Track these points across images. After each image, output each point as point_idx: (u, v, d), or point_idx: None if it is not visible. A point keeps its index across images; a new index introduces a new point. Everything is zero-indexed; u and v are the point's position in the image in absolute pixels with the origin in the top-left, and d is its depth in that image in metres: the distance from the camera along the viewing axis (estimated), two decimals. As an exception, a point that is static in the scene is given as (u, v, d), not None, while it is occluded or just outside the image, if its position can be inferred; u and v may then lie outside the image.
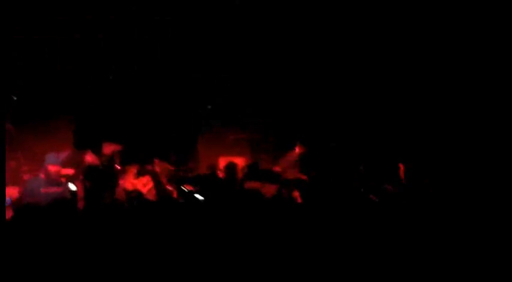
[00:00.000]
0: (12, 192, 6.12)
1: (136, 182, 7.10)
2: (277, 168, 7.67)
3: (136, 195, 6.29)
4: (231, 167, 7.37)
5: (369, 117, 8.59)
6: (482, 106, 8.15)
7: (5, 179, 5.77)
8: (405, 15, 8.09)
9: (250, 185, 6.68)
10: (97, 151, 7.47)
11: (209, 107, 8.80)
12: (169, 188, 7.12)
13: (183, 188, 6.73)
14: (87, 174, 6.92)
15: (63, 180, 6.67)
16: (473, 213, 5.12)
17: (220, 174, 7.60)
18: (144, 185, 7.02)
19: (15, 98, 7.66)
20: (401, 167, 7.09)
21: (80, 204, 6.40)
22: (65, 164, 6.98)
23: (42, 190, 6.18)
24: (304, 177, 6.92)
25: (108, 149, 7.45)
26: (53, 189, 6.22)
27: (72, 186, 6.62)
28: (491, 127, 7.94)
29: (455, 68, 8.22)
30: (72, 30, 7.91)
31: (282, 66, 8.77)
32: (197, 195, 6.40)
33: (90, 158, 7.31)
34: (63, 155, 7.17)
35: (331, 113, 8.77)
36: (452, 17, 7.96)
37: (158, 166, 7.59)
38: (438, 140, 8.03)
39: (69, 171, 6.97)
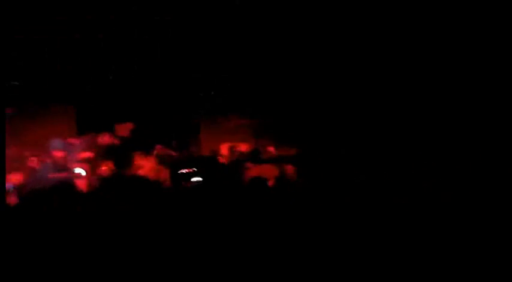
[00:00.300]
0: (15, 178, 6.14)
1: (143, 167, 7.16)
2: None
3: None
4: (233, 151, 7.46)
5: (371, 118, 8.59)
6: (483, 106, 8.14)
7: (5, 173, 5.81)
8: (405, 15, 8.07)
9: (252, 168, 6.77)
10: (112, 132, 7.52)
11: (212, 93, 8.83)
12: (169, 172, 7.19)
13: (182, 171, 6.80)
14: (107, 156, 6.99)
15: (84, 166, 6.74)
16: (474, 214, 5.11)
17: (221, 160, 7.68)
18: (149, 170, 7.09)
19: (16, 83, 7.65)
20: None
21: (84, 187, 6.42)
22: (84, 148, 7.06)
23: (50, 176, 6.22)
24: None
25: (123, 129, 7.51)
26: (61, 175, 6.27)
27: (81, 171, 6.65)
28: (492, 128, 7.94)
29: (454, 71, 8.22)
30: (72, 30, 7.91)
31: (282, 66, 8.77)
32: (196, 178, 6.47)
33: (106, 139, 7.37)
34: (73, 140, 7.22)
35: (332, 114, 8.77)
36: (452, 17, 7.94)
37: (161, 152, 7.67)
38: (439, 142, 8.02)
39: (88, 154, 7.04)
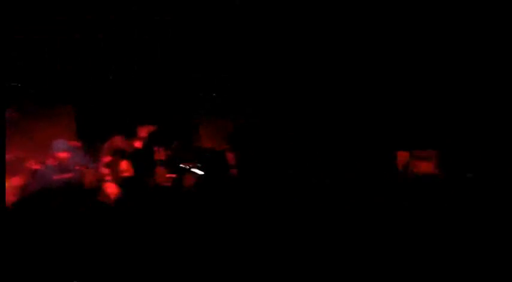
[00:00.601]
0: (14, 180, 6.14)
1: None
2: None
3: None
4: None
5: (370, 118, 8.60)
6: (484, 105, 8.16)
7: (5, 174, 5.82)
8: (404, 15, 8.08)
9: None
10: (131, 135, 7.53)
11: (214, 94, 8.85)
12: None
13: (182, 165, 6.90)
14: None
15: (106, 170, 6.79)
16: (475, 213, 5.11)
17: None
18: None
19: (18, 85, 7.65)
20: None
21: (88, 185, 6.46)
22: (105, 152, 7.13)
23: (54, 177, 6.22)
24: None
25: (144, 131, 7.52)
26: (65, 176, 6.27)
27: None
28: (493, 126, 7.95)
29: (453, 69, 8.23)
30: (72, 30, 7.90)
31: (282, 66, 8.78)
32: (196, 170, 6.57)
33: (119, 143, 7.40)
34: (74, 142, 7.23)
35: (331, 114, 8.78)
36: (452, 17, 7.95)
37: (160, 154, 7.70)
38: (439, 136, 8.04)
39: (108, 158, 7.11)
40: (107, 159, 7.20)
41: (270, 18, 8.21)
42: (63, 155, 6.37)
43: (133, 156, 7.17)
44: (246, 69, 8.77)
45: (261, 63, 8.71)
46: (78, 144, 7.12)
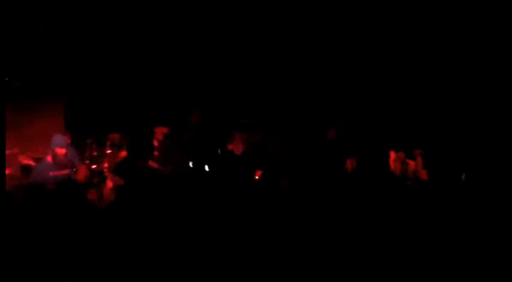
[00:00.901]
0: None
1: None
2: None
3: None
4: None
5: (364, 118, 8.62)
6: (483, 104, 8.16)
7: (5, 171, 5.82)
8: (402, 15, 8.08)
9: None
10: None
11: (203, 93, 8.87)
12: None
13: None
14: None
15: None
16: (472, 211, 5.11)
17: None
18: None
19: (6, 79, 7.60)
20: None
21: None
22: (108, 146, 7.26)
23: (51, 173, 6.17)
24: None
25: (159, 132, 7.56)
26: (62, 172, 6.22)
27: None
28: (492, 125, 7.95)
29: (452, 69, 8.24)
30: (72, 29, 7.92)
31: (282, 66, 8.79)
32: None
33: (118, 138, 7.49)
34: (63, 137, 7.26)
35: (329, 113, 8.80)
36: (452, 17, 7.95)
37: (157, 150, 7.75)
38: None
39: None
40: (108, 153, 7.26)
41: (269, 18, 8.22)
42: (61, 151, 6.27)
43: (133, 152, 7.21)
44: (246, 70, 8.79)
45: (261, 64, 8.72)
46: (68, 140, 7.11)
